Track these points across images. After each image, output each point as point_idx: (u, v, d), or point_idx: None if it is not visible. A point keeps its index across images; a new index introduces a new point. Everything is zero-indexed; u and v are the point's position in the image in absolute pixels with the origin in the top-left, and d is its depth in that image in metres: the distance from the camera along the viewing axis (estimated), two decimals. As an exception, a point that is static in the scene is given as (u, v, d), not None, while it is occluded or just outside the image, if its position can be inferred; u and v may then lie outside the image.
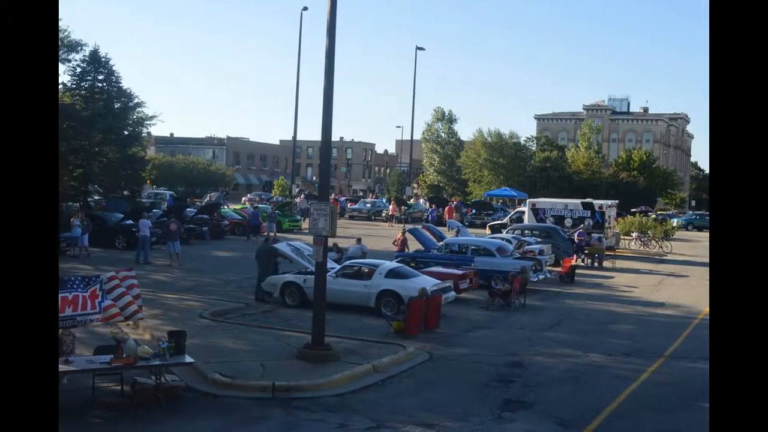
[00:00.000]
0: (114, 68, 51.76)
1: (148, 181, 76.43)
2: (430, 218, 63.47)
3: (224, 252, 41.40)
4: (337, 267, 25.70)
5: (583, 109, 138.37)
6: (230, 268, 34.03)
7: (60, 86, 49.16)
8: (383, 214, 71.01)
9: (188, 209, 51.18)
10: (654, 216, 64.23)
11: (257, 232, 48.28)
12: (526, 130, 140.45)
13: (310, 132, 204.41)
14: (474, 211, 69.32)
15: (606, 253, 41.06)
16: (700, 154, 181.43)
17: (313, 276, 20.36)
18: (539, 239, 38.91)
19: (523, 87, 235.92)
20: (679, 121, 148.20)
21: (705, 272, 38.40)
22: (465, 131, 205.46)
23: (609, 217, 46.83)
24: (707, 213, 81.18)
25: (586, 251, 40.14)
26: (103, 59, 51.05)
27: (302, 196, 76.03)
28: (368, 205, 76.81)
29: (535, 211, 47.32)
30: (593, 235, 42.40)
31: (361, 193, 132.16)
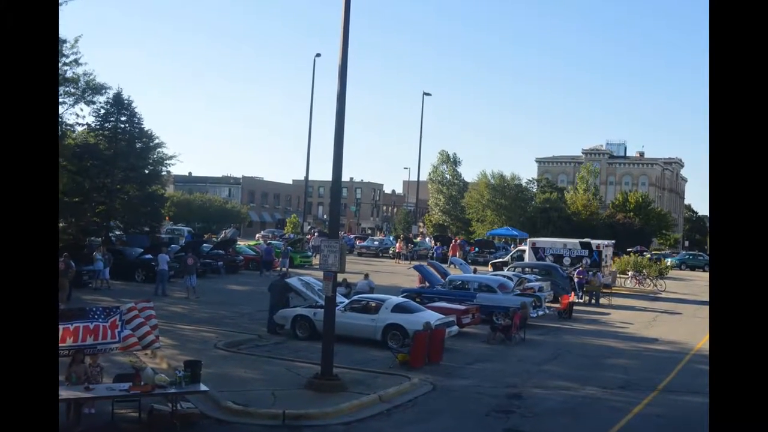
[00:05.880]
0: (136, 110, 52.06)
1: (167, 218, 76.66)
2: (435, 255, 63.38)
3: (238, 286, 41.44)
4: (346, 301, 25.72)
5: (582, 152, 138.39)
6: (244, 301, 34.04)
7: (85, 127, 49.31)
8: (390, 252, 71.00)
9: (205, 245, 51.30)
10: (649, 255, 64.11)
11: (270, 267, 48.46)
12: (527, 172, 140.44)
13: (322, 173, 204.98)
14: (477, 249, 69.16)
15: (602, 290, 40.97)
16: (694, 196, 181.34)
17: (322, 309, 20.39)
18: (539, 277, 38.91)
19: (525, 131, 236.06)
20: (674, 165, 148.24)
21: (697, 309, 38.33)
22: (469, 173, 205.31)
23: (606, 256, 46.84)
24: (700, 253, 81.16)
25: (585, 288, 40.06)
26: (125, 101, 51.38)
27: (315, 233, 76.11)
28: (376, 243, 76.80)
29: (536, 249, 47.34)
30: (590, 273, 42.40)
31: (369, 232, 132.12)
